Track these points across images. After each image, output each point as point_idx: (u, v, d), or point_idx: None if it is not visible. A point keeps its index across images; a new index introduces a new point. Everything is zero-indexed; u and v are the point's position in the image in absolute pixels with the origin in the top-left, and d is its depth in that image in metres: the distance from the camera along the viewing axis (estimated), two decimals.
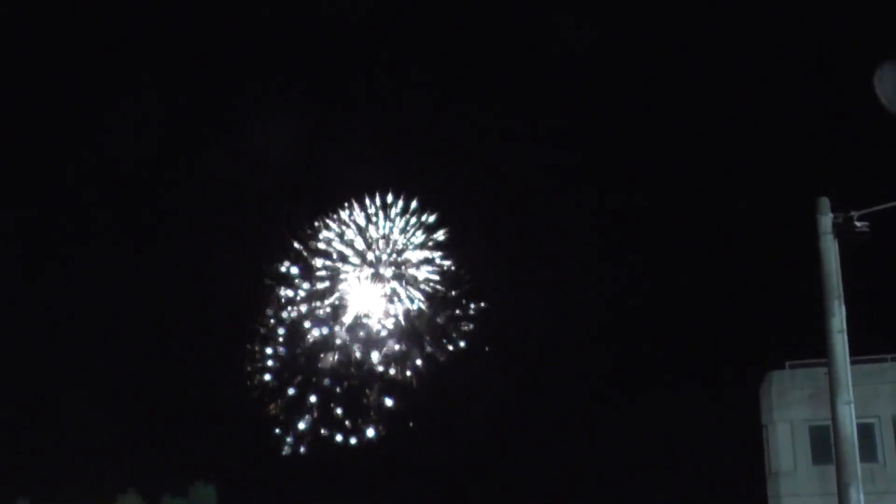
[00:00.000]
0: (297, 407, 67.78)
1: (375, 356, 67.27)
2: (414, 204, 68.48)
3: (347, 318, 67.35)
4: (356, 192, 69.89)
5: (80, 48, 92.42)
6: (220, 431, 74.56)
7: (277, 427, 68.12)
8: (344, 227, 67.19)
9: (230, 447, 73.83)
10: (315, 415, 67.71)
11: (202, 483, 58.10)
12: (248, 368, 67.51)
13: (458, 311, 67.68)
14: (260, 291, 69.71)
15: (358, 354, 67.07)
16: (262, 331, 67.81)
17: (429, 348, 67.10)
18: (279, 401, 67.37)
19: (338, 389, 67.65)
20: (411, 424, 67.73)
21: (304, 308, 67.81)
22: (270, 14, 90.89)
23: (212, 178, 78.11)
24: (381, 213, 67.73)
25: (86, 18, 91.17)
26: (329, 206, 69.53)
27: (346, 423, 67.62)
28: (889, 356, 38.47)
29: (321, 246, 67.81)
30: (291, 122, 78.09)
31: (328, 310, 67.36)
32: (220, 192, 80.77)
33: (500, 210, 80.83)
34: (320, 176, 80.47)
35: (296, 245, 67.94)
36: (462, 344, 68.05)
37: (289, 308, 67.65)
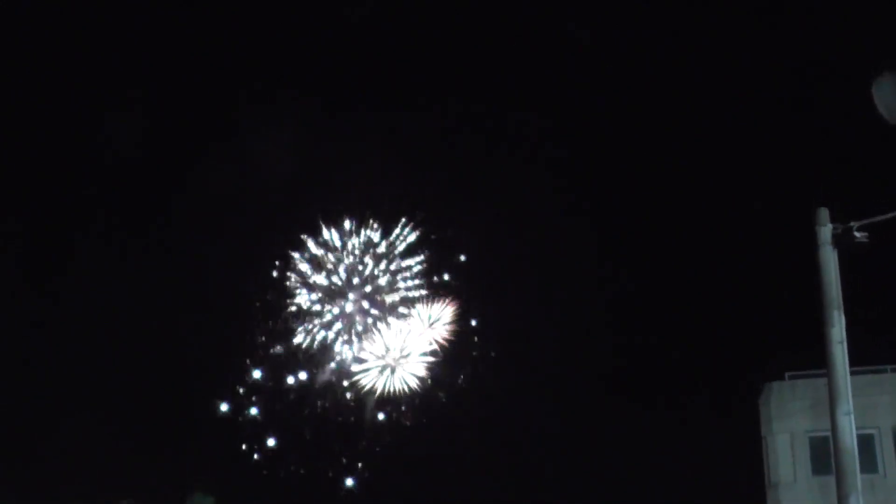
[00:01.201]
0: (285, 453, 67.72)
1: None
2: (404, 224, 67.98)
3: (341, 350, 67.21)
4: (355, 203, 69.65)
5: (80, 53, 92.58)
6: (218, 441, 74.42)
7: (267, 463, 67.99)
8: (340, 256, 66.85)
9: (228, 457, 73.66)
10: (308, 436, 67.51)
11: (200, 493, 57.93)
12: (238, 388, 67.23)
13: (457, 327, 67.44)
14: (257, 303, 69.60)
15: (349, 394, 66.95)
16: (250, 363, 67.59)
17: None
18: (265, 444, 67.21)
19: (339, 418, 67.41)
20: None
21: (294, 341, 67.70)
22: (273, 21, 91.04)
23: (211, 187, 78.06)
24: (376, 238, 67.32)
25: (86, 24, 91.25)
26: (327, 219, 69.27)
27: (343, 460, 67.50)
28: (889, 367, 38.44)
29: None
30: (291, 129, 78.10)
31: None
32: (219, 201, 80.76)
33: (499, 216, 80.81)
34: (319, 186, 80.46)
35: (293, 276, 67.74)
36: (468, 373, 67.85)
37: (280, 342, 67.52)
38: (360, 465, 67.01)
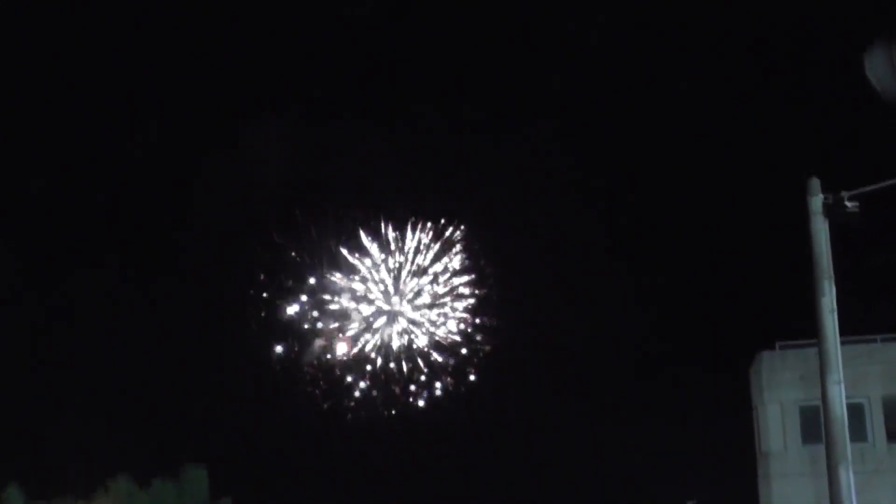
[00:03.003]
0: None
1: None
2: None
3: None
4: (360, 205, 68.98)
5: (74, 51, 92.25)
6: (211, 413, 74.56)
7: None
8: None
9: (222, 430, 73.78)
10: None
11: (193, 465, 57.94)
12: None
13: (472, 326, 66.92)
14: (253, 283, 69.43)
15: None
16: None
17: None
18: None
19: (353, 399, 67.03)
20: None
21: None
22: (271, 24, 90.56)
23: (212, 191, 77.97)
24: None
25: (79, 30, 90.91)
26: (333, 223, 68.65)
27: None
28: (879, 336, 38.59)
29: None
30: (292, 134, 77.81)
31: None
32: (222, 203, 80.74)
33: (499, 210, 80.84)
34: (322, 189, 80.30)
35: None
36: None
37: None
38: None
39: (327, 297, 66.24)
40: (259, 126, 78.24)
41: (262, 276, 67.42)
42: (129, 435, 69.92)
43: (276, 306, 67.34)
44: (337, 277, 66.37)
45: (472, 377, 67.16)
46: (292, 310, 67.24)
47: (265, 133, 74.34)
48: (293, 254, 66.81)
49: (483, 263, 67.20)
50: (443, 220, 66.24)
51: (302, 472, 71.97)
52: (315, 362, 66.10)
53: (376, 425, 68.93)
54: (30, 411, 71.69)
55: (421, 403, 66.94)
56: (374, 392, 66.46)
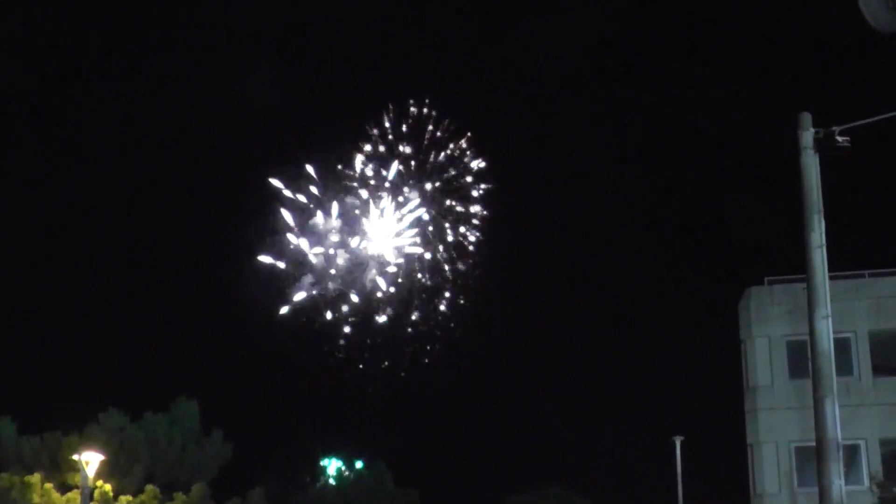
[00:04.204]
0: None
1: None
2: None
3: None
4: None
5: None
6: (202, 346, 74.89)
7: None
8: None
9: (212, 363, 74.16)
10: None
11: (184, 399, 58.10)
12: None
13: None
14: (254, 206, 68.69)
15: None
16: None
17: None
18: None
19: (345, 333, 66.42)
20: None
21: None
22: None
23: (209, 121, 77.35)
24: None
25: None
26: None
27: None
28: (867, 272, 38.82)
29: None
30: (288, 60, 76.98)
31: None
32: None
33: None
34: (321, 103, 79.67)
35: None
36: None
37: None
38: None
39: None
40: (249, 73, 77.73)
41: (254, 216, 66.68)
42: (121, 369, 70.24)
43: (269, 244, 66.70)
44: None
45: (462, 301, 66.75)
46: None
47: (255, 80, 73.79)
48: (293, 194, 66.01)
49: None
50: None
51: (291, 407, 72.47)
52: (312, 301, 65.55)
53: (365, 362, 69.24)
54: (23, 346, 71.92)
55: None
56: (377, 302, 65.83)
